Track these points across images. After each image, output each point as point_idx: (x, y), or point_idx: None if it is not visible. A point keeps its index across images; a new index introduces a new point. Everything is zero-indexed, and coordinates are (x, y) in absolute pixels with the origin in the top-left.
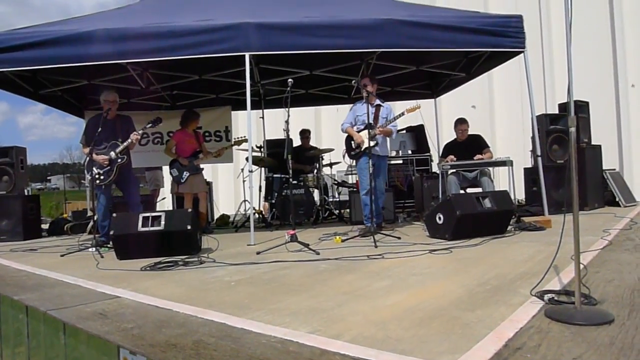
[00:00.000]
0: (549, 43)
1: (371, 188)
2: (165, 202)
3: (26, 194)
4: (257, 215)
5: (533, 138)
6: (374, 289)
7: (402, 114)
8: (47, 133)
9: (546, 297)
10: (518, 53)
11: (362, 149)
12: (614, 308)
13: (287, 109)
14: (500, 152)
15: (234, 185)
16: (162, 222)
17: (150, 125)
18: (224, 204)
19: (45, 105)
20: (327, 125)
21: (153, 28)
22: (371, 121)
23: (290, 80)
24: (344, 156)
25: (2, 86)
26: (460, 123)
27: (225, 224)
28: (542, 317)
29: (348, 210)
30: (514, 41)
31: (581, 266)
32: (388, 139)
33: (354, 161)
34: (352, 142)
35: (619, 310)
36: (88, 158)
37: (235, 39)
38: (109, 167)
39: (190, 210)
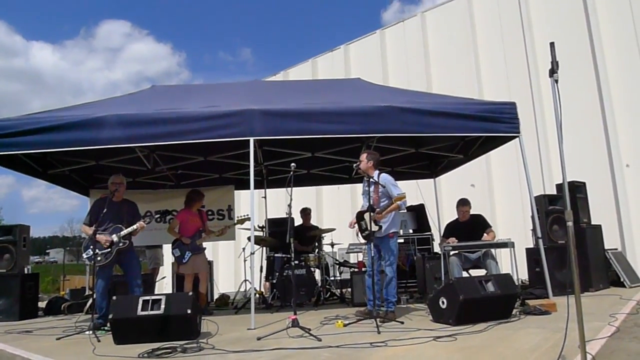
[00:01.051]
0: (543, 125)
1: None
2: (164, 281)
3: (26, 272)
4: (257, 296)
5: (533, 220)
6: None
7: (384, 186)
8: (50, 206)
9: None
10: (513, 137)
11: (365, 235)
12: None
13: (290, 193)
14: (501, 230)
15: (235, 264)
16: (162, 306)
17: (157, 217)
18: (224, 283)
19: (52, 184)
20: (327, 204)
21: (162, 114)
22: (371, 203)
23: (293, 164)
24: (357, 234)
25: (13, 166)
26: (462, 205)
27: (225, 304)
28: None
29: (350, 289)
30: (509, 126)
31: (590, 357)
32: (398, 213)
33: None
34: (362, 222)
35: None
36: (89, 237)
37: (240, 124)
38: (108, 250)
39: (190, 294)
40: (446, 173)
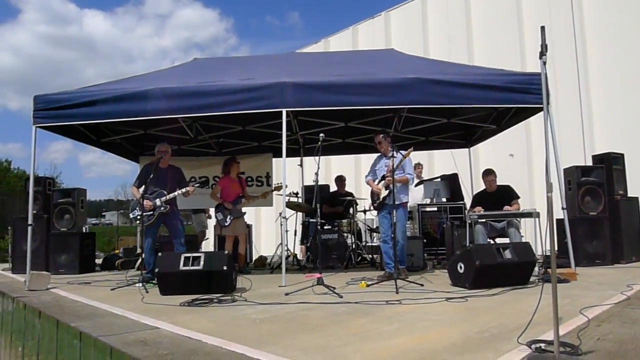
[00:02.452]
0: (587, 94)
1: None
2: (208, 242)
3: (84, 231)
4: (291, 258)
5: (560, 190)
6: (382, 331)
7: (401, 160)
8: (105, 170)
9: (534, 346)
10: (541, 109)
11: (381, 199)
12: None
13: (317, 162)
14: (539, 201)
15: (275, 228)
16: (202, 263)
17: (198, 185)
18: (266, 246)
19: (106, 151)
20: (366, 172)
21: (201, 87)
22: (384, 173)
23: (321, 135)
24: (370, 207)
25: (71, 135)
26: (487, 174)
27: (262, 265)
28: None
29: (377, 256)
30: (538, 97)
31: (585, 319)
32: (411, 188)
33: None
34: (374, 194)
35: None
36: (136, 199)
37: (273, 96)
38: (151, 212)
39: (227, 252)
40: (482, 142)
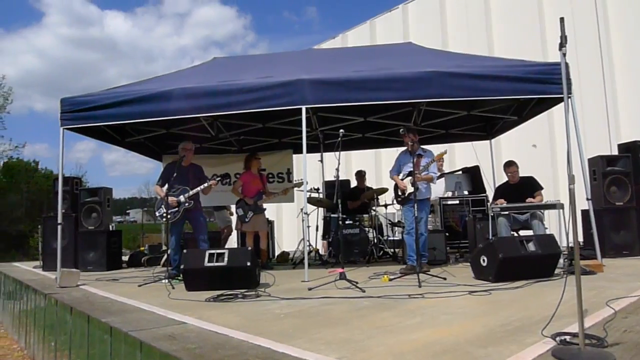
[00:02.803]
0: (612, 83)
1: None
2: (231, 238)
3: (110, 229)
4: (314, 253)
5: (584, 181)
6: (404, 325)
7: (433, 160)
8: (129, 169)
9: (558, 338)
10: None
11: (406, 195)
12: (622, 352)
13: (337, 157)
14: (563, 192)
15: (297, 224)
16: (226, 259)
17: (219, 179)
18: (288, 242)
19: (130, 150)
20: (387, 166)
21: (221, 86)
22: (411, 169)
23: (341, 131)
24: (392, 202)
25: (97, 136)
26: (509, 166)
27: (285, 260)
28: (549, 356)
29: (400, 250)
30: (560, 87)
31: (612, 311)
32: (431, 184)
33: (401, 206)
34: (399, 189)
35: (625, 354)
36: (160, 197)
37: (292, 94)
38: (176, 209)
39: (250, 248)
40: (504, 134)
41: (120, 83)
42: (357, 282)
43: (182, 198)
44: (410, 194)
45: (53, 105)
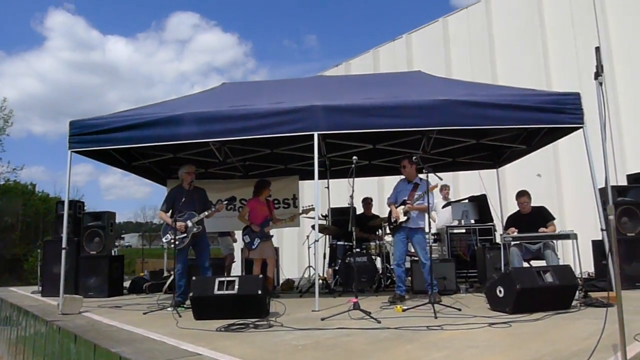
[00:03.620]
0: (617, 114)
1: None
2: (234, 265)
3: (113, 254)
4: (321, 281)
5: (598, 211)
6: (431, 359)
7: (425, 192)
8: (125, 193)
9: None
10: (577, 129)
11: (398, 224)
12: None
13: (351, 184)
14: (569, 222)
15: (298, 251)
16: (236, 287)
17: (226, 202)
18: (287, 268)
19: (136, 174)
20: (389, 194)
21: (233, 111)
22: (405, 198)
23: (354, 158)
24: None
25: (103, 159)
26: (521, 196)
27: (290, 288)
28: None
29: (409, 278)
30: (572, 117)
31: None
32: (439, 210)
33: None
34: (391, 217)
35: None
36: (166, 223)
37: (305, 120)
38: (185, 235)
39: (261, 276)
40: (510, 163)
41: (120, 107)
42: (370, 312)
43: (189, 223)
44: (401, 222)
45: (51, 128)
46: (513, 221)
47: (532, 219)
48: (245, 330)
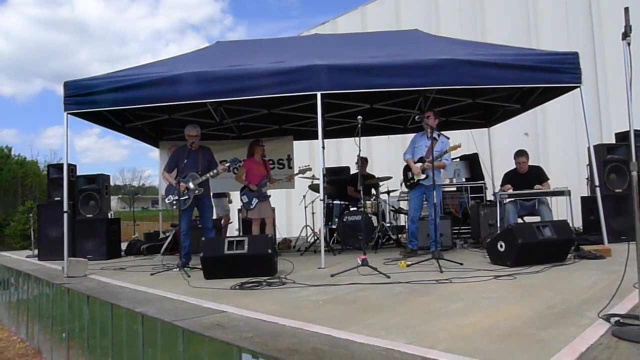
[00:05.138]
0: (604, 75)
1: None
2: (231, 225)
3: (109, 217)
4: (319, 240)
5: (590, 168)
6: (451, 310)
7: (446, 151)
8: (101, 156)
9: (612, 319)
10: (574, 88)
11: (416, 180)
12: None
13: (358, 144)
14: (555, 180)
15: (286, 211)
16: (245, 246)
17: (228, 164)
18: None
19: (129, 136)
20: (378, 154)
21: (235, 71)
22: (423, 154)
23: (359, 117)
24: (401, 184)
25: (98, 121)
26: (519, 155)
27: (287, 247)
28: (610, 337)
29: (405, 235)
30: (570, 77)
31: None
32: (442, 170)
33: (408, 190)
34: (409, 172)
35: None
36: (168, 184)
37: (307, 80)
38: (187, 196)
39: (270, 235)
40: (501, 123)
41: (93, 67)
42: (376, 268)
43: (191, 185)
44: (419, 180)
45: (20, 89)
46: (509, 178)
47: (528, 178)
48: (259, 288)
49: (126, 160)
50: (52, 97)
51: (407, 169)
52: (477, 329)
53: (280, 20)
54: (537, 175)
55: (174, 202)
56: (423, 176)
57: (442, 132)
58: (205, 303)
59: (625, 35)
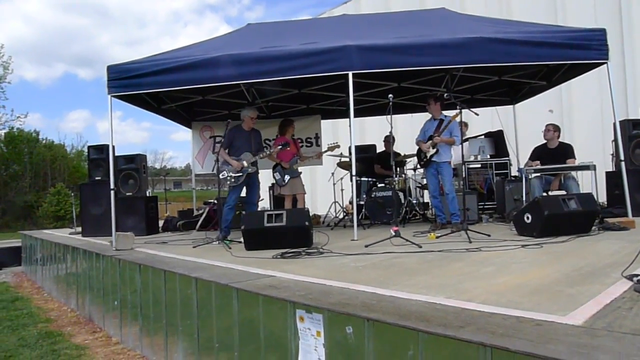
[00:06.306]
0: (632, 51)
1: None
2: (262, 203)
3: (147, 195)
4: (348, 215)
5: (616, 143)
6: (483, 272)
7: (450, 121)
8: (123, 138)
9: (635, 279)
10: (601, 64)
11: (428, 158)
12: None
13: (390, 121)
14: (580, 156)
15: (310, 188)
16: (284, 219)
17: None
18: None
19: (164, 117)
20: (401, 132)
21: (270, 52)
22: (432, 133)
23: (390, 95)
24: (416, 167)
25: (136, 103)
26: (547, 125)
27: (317, 223)
28: (632, 292)
29: (431, 210)
30: (598, 53)
31: None
32: (454, 147)
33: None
34: (422, 153)
35: None
36: (223, 160)
37: (340, 60)
38: (240, 174)
39: (306, 209)
40: (527, 100)
41: (114, 50)
42: (407, 239)
43: (245, 163)
44: (431, 156)
45: (44, 73)
46: (539, 154)
47: (557, 154)
48: (299, 257)
49: (147, 142)
50: (74, 80)
51: (420, 150)
52: (509, 287)
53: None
54: (565, 152)
55: (228, 178)
56: (433, 150)
57: (447, 114)
58: (253, 269)
59: None
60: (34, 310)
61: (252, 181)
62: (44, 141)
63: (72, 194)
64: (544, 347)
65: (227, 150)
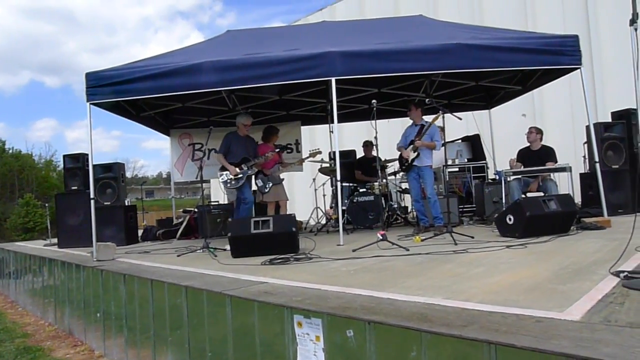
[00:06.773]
0: (600, 56)
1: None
2: None
3: (126, 204)
4: (331, 220)
5: (589, 146)
6: (474, 273)
7: (429, 125)
8: (93, 147)
9: (621, 275)
10: (574, 69)
11: (410, 162)
12: None
13: (374, 126)
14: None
15: (289, 194)
16: (271, 225)
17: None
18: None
19: (143, 125)
20: (380, 137)
21: (252, 59)
22: (413, 138)
23: (374, 101)
24: (398, 171)
25: (113, 110)
26: (530, 128)
27: (299, 228)
28: (621, 287)
29: (411, 214)
30: (571, 59)
31: None
32: (434, 151)
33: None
34: (403, 158)
35: None
36: (222, 165)
37: (322, 66)
38: (240, 176)
39: (293, 215)
40: (502, 104)
41: (82, 57)
42: (395, 242)
43: (244, 167)
44: (412, 160)
45: (8, 81)
46: (522, 155)
47: (539, 155)
48: (288, 263)
49: (118, 151)
50: (40, 88)
51: (401, 156)
52: (503, 286)
53: (269, 6)
54: (547, 154)
55: (227, 182)
56: (414, 155)
57: (427, 119)
58: (244, 276)
59: (632, 21)
60: (9, 326)
61: (249, 184)
62: (10, 151)
63: (46, 205)
64: (549, 343)
65: (225, 156)
